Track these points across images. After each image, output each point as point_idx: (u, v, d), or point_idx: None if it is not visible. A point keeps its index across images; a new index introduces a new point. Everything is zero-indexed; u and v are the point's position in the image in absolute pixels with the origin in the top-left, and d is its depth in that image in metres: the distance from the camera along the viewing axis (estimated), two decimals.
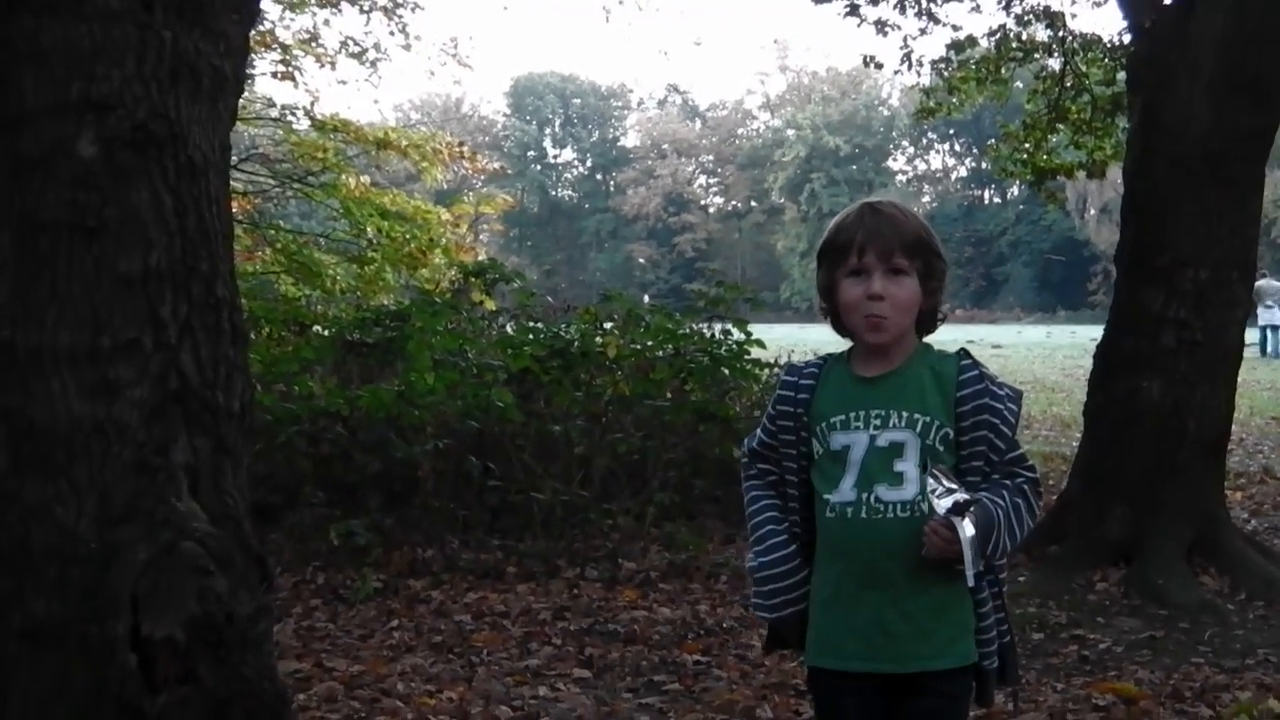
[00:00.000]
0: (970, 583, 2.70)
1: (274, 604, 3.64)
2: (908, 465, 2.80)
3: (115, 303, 3.16)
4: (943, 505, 2.69)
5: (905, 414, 2.81)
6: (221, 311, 3.34)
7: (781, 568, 2.95)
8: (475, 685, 5.34)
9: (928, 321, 2.92)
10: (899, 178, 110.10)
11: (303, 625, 6.27)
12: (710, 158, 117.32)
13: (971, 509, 2.69)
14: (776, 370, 10.55)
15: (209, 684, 3.06)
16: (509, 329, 11.06)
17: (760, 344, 9.77)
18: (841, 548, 2.83)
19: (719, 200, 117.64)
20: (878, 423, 2.81)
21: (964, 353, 2.92)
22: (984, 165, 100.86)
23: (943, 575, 2.77)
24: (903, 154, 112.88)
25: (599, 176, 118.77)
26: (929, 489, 2.73)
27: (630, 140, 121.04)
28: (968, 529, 2.66)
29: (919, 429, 2.80)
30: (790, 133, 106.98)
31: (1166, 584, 7.01)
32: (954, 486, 2.71)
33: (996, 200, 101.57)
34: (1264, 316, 31.91)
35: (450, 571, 7.20)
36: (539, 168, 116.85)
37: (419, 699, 5.12)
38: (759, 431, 3.03)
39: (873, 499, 2.79)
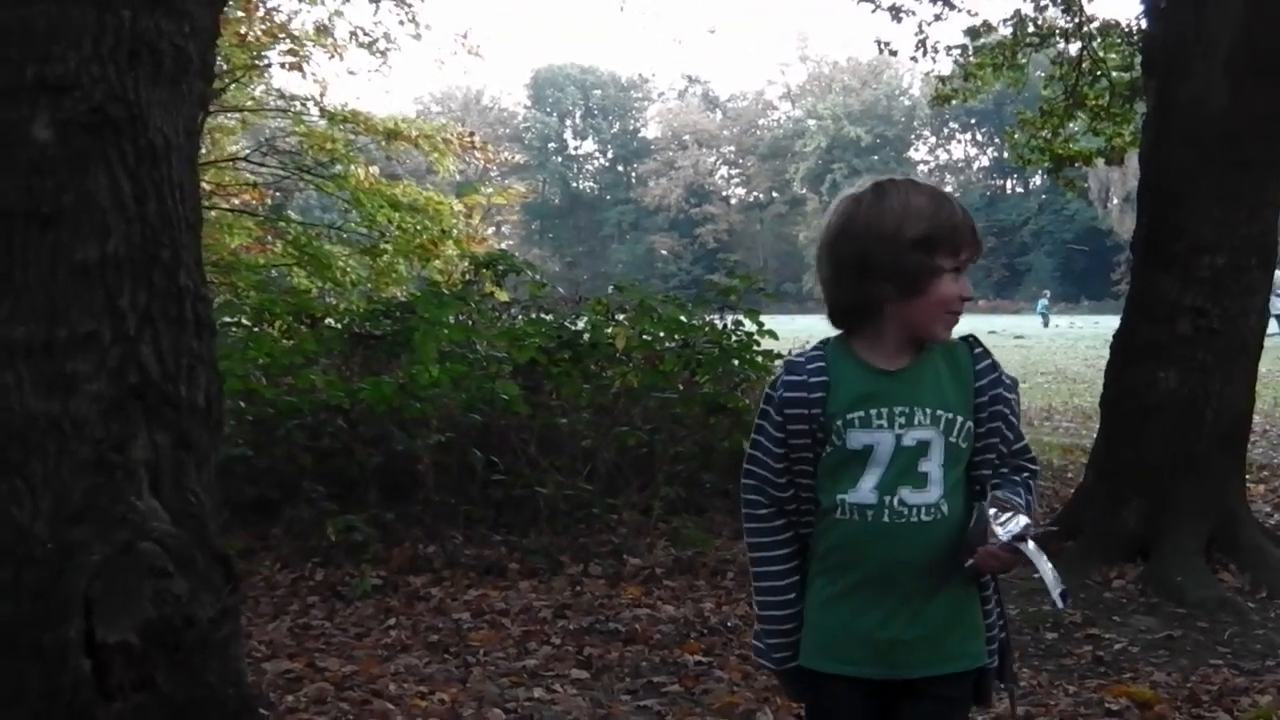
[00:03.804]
0: (1059, 604, 2.57)
1: (240, 606, 3.50)
2: (931, 465, 2.63)
3: (72, 293, 3.06)
4: (1004, 532, 2.55)
5: (929, 411, 2.64)
6: (185, 301, 3.22)
7: (788, 625, 2.79)
8: (469, 686, 5.21)
9: None
10: (920, 168, 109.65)
11: (299, 623, 6.14)
12: (731, 148, 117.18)
13: (1031, 530, 2.56)
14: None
15: (167, 690, 2.94)
16: (518, 320, 10.94)
17: (772, 334, 9.62)
18: (854, 551, 2.66)
19: (740, 191, 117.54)
20: (903, 420, 2.63)
21: (975, 339, 2.76)
22: (1005, 155, 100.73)
23: (955, 579, 2.64)
24: (924, 144, 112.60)
25: (620, 168, 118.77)
26: (990, 515, 2.59)
27: (651, 131, 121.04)
28: (1040, 555, 2.54)
29: (943, 426, 2.64)
30: (811, 123, 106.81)
31: (1184, 581, 6.83)
32: (1010, 512, 2.58)
33: (1019, 190, 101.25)
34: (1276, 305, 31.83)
35: (452, 568, 7.06)
36: (560, 159, 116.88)
37: (410, 701, 4.99)
38: (761, 455, 2.76)
39: (896, 502, 2.62)
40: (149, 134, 3.16)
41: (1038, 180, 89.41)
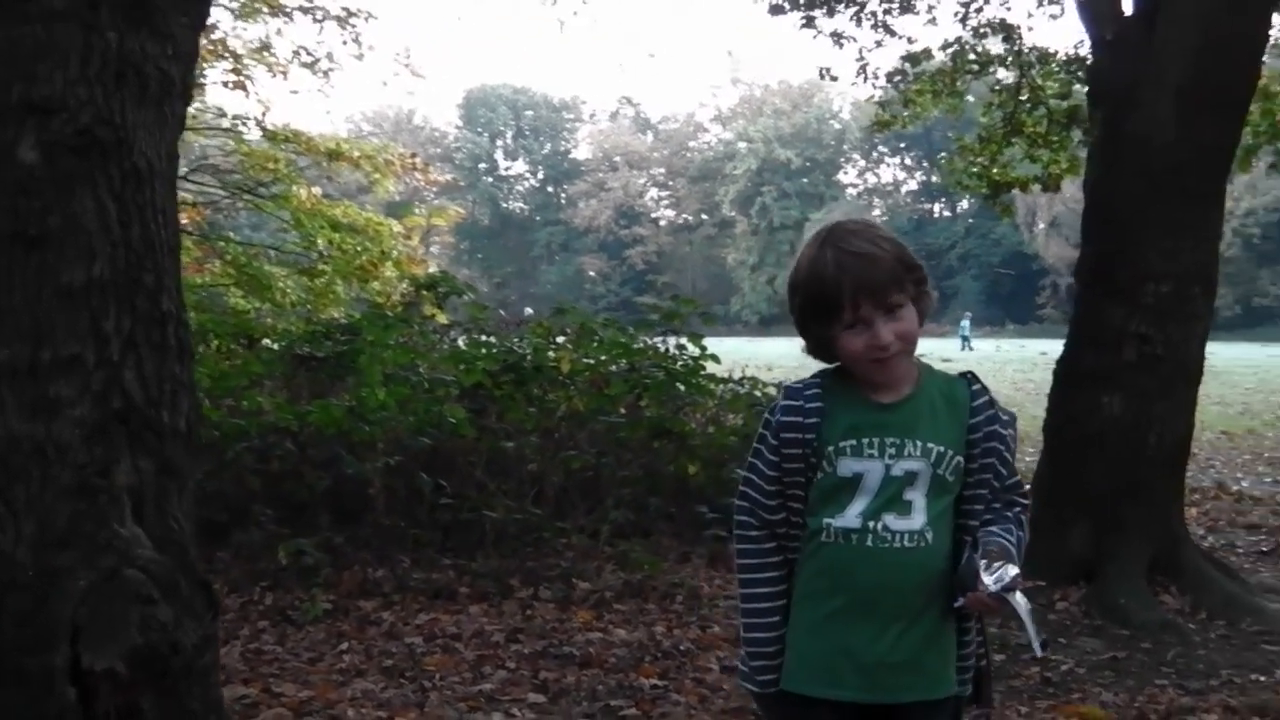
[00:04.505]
0: (1039, 652, 2.64)
1: (219, 632, 3.48)
2: (916, 495, 2.69)
3: (57, 315, 3.03)
4: (992, 582, 2.59)
5: (920, 443, 2.69)
6: (167, 326, 3.20)
7: (774, 647, 2.81)
8: (427, 711, 5.19)
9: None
10: (850, 191, 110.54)
11: (250, 648, 6.08)
12: (661, 170, 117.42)
13: (1019, 581, 2.61)
14: (731, 385, 10.47)
15: (152, 717, 2.92)
16: (460, 343, 10.92)
17: (715, 359, 9.67)
18: (838, 574, 2.71)
19: (670, 213, 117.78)
20: (893, 451, 2.68)
21: (972, 376, 2.82)
22: (934, 179, 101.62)
23: (936, 606, 2.69)
24: (854, 167, 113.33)
25: (550, 189, 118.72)
26: (980, 565, 2.63)
27: (582, 152, 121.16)
28: (1024, 605, 2.58)
29: (933, 458, 2.69)
30: (741, 145, 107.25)
31: (1128, 603, 6.94)
32: (1000, 561, 2.62)
33: (947, 214, 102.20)
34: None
35: (401, 592, 7.03)
36: (490, 180, 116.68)
37: None
38: (755, 478, 2.82)
39: (880, 527, 2.67)
40: (134, 157, 3.15)
41: (965, 204, 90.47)
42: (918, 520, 2.68)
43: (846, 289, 2.65)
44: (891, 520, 2.67)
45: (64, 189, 3.05)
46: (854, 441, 2.69)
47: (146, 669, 2.89)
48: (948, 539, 2.72)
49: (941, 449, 2.70)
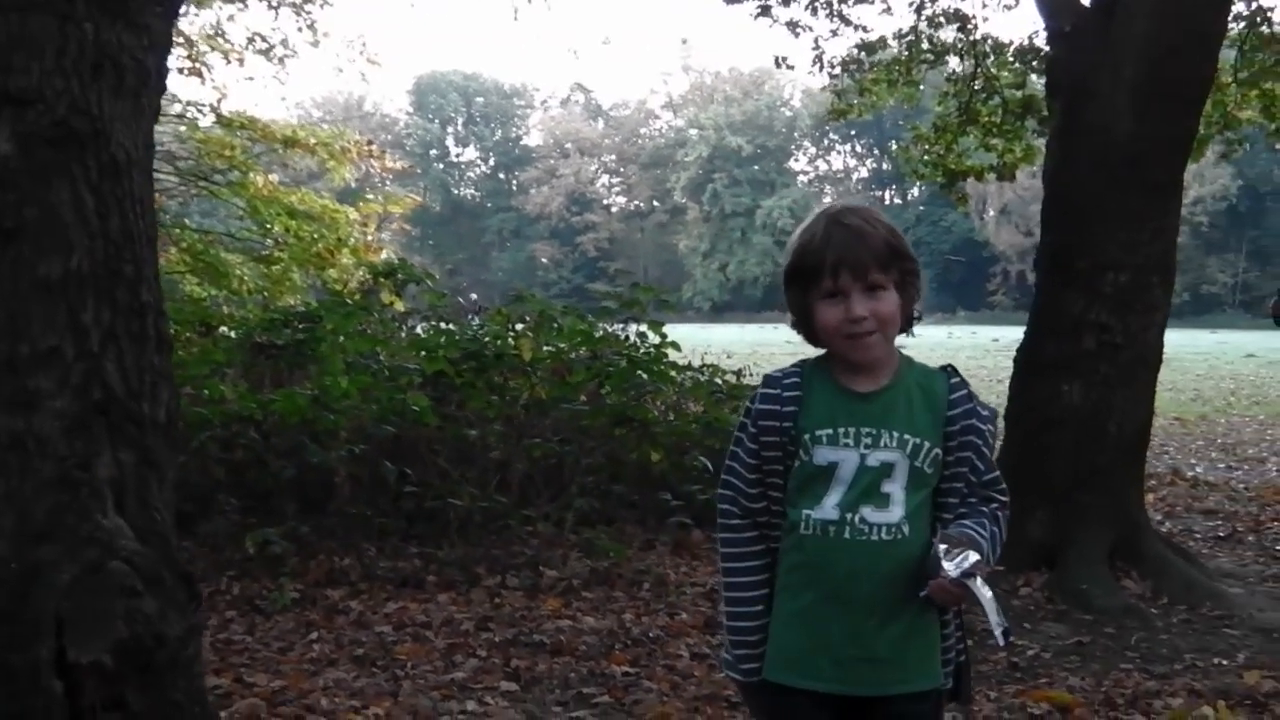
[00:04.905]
0: (1001, 641, 2.63)
1: (202, 623, 3.47)
2: (895, 487, 2.70)
3: (34, 309, 3.01)
4: (953, 568, 2.60)
5: (896, 434, 2.70)
6: (146, 317, 3.19)
7: (757, 636, 2.82)
8: (401, 700, 5.19)
9: (904, 324, 2.82)
10: (800, 178, 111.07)
11: (219, 638, 6.06)
12: (613, 157, 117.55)
13: (981, 567, 2.61)
14: (691, 373, 10.50)
15: (137, 709, 2.91)
16: (419, 331, 10.88)
17: (676, 346, 9.68)
18: (817, 566, 2.72)
19: (621, 200, 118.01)
20: (868, 441, 2.70)
21: (952, 369, 2.83)
22: (885, 166, 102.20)
23: (915, 599, 2.69)
24: (804, 154, 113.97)
25: (501, 175, 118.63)
26: (940, 550, 2.64)
27: (533, 139, 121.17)
28: (985, 591, 2.58)
29: (909, 450, 2.70)
30: (693, 132, 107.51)
31: (1090, 589, 7.01)
32: (961, 548, 2.63)
33: (898, 201, 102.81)
34: None
35: (368, 580, 7.02)
36: (441, 166, 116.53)
37: (344, 715, 4.97)
38: (736, 466, 2.84)
39: (857, 519, 2.68)
40: (111, 148, 3.13)
41: (916, 191, 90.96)
42: (895, 513, 2.70)
43: (829, 257, 2.69)
44: (869, 513, 2.69)
45: (40, 181, 3.03)
46: (830, 430, 2.72)
47: (132, 661, 2.88)
48: (926, 532, 2.73)
49: (918, 440, 2.71)
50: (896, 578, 2.69)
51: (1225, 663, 6.01)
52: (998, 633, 2.61)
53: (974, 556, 2.61)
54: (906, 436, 2.71)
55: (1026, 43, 12.69)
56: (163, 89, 3.51)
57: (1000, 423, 8.22)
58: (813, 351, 2.87)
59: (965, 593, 2.61)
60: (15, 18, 3.04)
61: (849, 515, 2.69)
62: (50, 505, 2.95)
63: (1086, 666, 5.94)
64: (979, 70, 13.03)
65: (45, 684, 2.81)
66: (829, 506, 2.70)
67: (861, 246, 2.68)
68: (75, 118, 3.08)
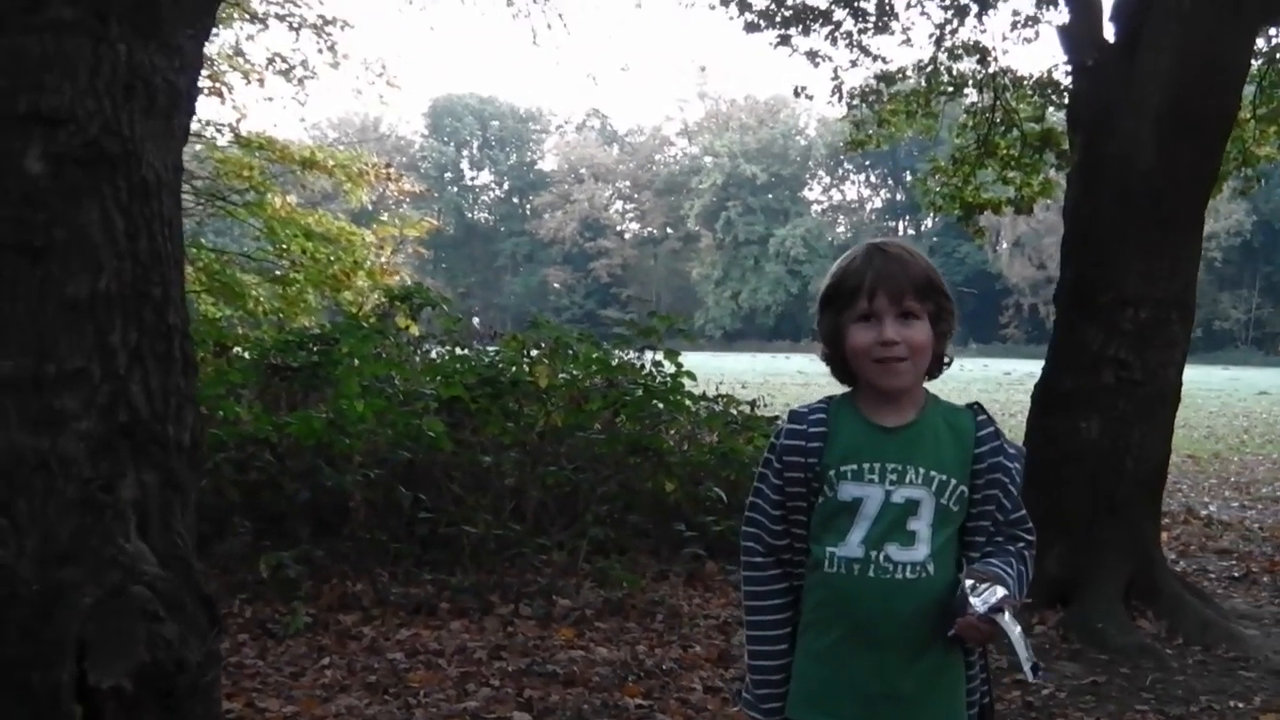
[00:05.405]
0: (1030, 677, 2.59)
1: (222, 650, 3.45)
2: (920, 525, 2.67)
3: (61, 328, 3.00)
4: (981, 603, 2.57)
5: (923, 470, 2.68)
6: (173, 340, 3.18)
7: (779, 675, 2.80)
8: None
9: (934, 366, 2.79)
10: (815, 207, 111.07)
11: (231, 661, 6.02)
12: (627, 183, 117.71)
13: (1009, 601, 2.58)
14: (706, 403, 10.47)
15: None
16: (433, 355, 10.87)
17: (691, 376, 9.65)
18: (841, 604, 2.69)
19: (635, 226, 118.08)
20: (894, 477, 2.67)
21: (979, 407, 2.81)
22: (899, 197, 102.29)
23: (941, 639, 2.66)
24: (819, 183, 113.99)
25: (516, 200, 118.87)
26: (967, 586, 2.61)
27: (548, 164, 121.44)
28: (1014, 626, 2.54)
29: (935, 487, 2.67)
30: (707, 160, 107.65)
31: (1106, 627, 6.97)
32: (988, 583, 2.60)
33: (911, 232, 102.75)
34: None
35: (381, 606, 6.99)
36: (455, 189, 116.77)
37: None
38: (761, 502, 2.81)
39: (882, 558, 2.65)
40: (142, 170, 3.12)
41: (929, 223, 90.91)
42: (921, 551, 2.67)
43: (868, 278, 2.68)
44: (894, 551, 2.66)
45: (70, 201, 3.02)
46: (854, 465, 2.69)
47: (152, 687, 2.86)
48: (952, 570, 2.70)
49: (944, 477, 2.69)
50: (921, 616, 2.66)
51: (1242, 705, 5.97)
52: (1026, 667, 2.56)
53: (1001, 591, 2.57)
54: (933, 473, 2.68)
55: (1045, 76, 12.69)
56: (193, 111, 3.51)
57: None
58: (839, 388, 2.85)
59: (994, 629, 2.57)
60: (49, 38, 3.04)
61: (873, 553, 2.66)
62: (74, 527, 2.93)
63: (1102, 707, 5.90)
64: (998, 103, 13.03)
65: (65, 707, 2.79)
66: (853, 544, 2.67)
67: (900, 271, 2.68)
68: (106, 138, 3.07)
